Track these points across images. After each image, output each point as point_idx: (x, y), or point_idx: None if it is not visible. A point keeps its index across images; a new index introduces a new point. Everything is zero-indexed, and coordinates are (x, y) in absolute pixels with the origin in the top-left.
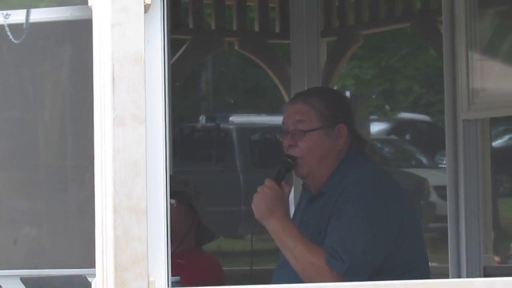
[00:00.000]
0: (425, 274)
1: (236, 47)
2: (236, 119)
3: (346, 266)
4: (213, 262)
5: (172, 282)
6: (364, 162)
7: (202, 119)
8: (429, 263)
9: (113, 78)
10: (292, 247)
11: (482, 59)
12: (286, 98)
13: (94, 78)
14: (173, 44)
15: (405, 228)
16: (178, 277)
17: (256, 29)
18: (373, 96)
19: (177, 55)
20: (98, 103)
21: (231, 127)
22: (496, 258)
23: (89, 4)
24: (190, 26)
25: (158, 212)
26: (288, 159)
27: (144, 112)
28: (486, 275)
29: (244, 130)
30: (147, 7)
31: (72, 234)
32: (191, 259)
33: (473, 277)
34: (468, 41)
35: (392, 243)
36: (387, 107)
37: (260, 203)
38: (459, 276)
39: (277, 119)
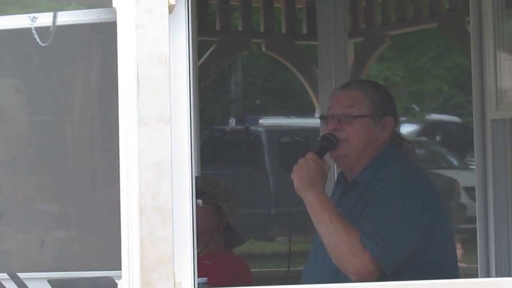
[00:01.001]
0: (454, 274)
1: (263, 49)
2: (266, 121)
3: (380, 249)
4: (240, 264)
5: (199, 284)
6: (402, 157)
7: (232, 121)
8: (459, 264)
9: (138, 79)
10: (328, 221)
11: (510, 58)
12: (314, 100)
13: (119, 79)
14: (200, 46)
15: (436, 226)
16: (205, 278)
17: (283, 30)
18: (402, 97)
19: (204, 56)
20: (123, 104)
21: (260, 129)
22: None
23: (114, 5)
24: (217, 27)
25: (184, 213)
26: (331, 137)
27: (169, 113)
28: None
29: (274, 132)
30: (171, 8)
31: (100, 236)
32: (218, 260)
33: (502, 277)
34: (496, 41)
35: (422, 237)
36: (416, 107)
37: (302, 173)
38: (488, 277)
39: (306, 122)
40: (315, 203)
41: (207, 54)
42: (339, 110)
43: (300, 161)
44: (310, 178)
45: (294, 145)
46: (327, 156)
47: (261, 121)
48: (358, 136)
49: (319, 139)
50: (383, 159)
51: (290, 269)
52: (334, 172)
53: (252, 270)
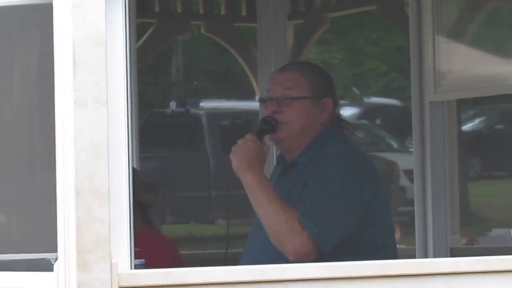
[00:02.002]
0: (392, 254)
1: (202, 31)
2: (206, 104)
3: (318, 229)
4: (167, 242)
5: (136, 265)
6: (341, 139)
7: (172, 104)
8: (398, 245)
9: (74, 60)
10: (266, 202)
11: (448, 41)
12: (254, 82)
13: (55, 60)
14: (139, 28)
15: (375, 206)
16: (143, 260)
17: (223, 12)
18: (341, 79)
19: (143, 38)
20: (59, 85)
21: (201, 112)
22: (464, 240)
23: None
24: (156, 9)
25: (120, 194)
26: (271, 119)
27: (105, 94)
28: (452, 256)
29: (214, 115)
30: None
31: (38, 220)
32: (142, 240)
33: (439, 258)
34: (435, 24)
35: (361, 218)
36: (355, 90)
37: (241, 154)
38: (425, 257)
39: (247, 104)
40: (254, 184)
41: (145, 35)
42: (278, 93)
43: (239, 142)
44: (249, 159)
45: (234, 128)
46: (266, 139)
47: (201, 104)
48: (298, 118)
49: (259, 121)
50: (322, 140)
51: (230, 250)
52: (273, 154)
53: (192, 252)
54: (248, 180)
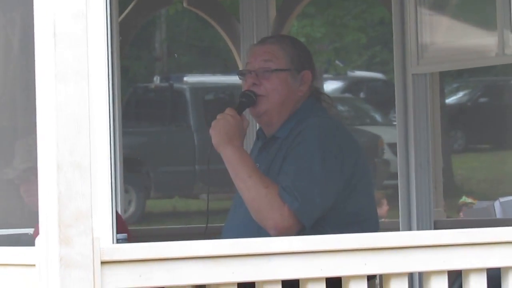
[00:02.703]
0: (374, 226)
1: (184, 4)
2: (190, 79)
3: (299, 203)
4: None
5: (118, 239)
6: (321, 111)
7: (156, 79)
8: (382, 219)
9: (54, 33)
10: (247, 176)
11: (431, 13)
12: (236, 56)
13: (35, 34)
14: (121, 1)
15: (356, 179)
16: (125, 234)
17: None
18: (324, 52)
19: (125, 12)
20: (40, 59)
21: (184, 87)
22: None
23: None
24: None
25: (102, 168)
26: (250, 93)
27: (86, 68)
28: (436, 228)
29: (198, 90)
30: None
31: (20, 195)
32: None
33: (422, 231)
34: None
35: (342, 190)
36: (339, 63)
37: (221, 129)
38: (409, 230)
39: (231, 79)
40: (234, 158)
41: (128, 9)
42: (257, 65)
43: (219, 117)
44: (229, 134)
45: (218, 102)
46: (246, 113)
47: (185, 78)
48: (277, 90)
49: (239, 95)
50: (301, 113)
51: (213, 225)
52: (253, 129)
53: (176, 226)
54: (228, 155)
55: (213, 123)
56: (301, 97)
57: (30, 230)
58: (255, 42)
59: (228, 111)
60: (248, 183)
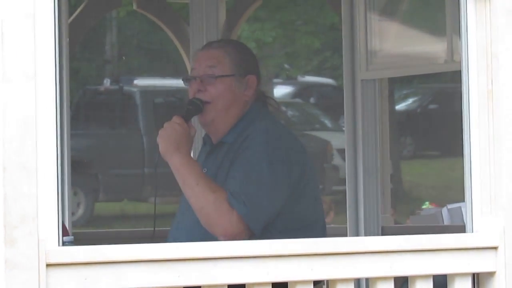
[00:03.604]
0: (321, 231)
1: (134, 7)
2: (140, 82)
3: (247, 208)
4: None
5: (65, 242)
6: (267, 116)
7: (107, 82)
8: (330, 225)
9: (2, 33)
10: (194, 184)
11: (380, 19)
12: (186, 59)
13: None
14: (71, 3)
15: (303, 183)
16: (72, 237)
17: None
18: (274, 57)
19: (75, 13)
20: None
21: (134, 90)
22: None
23: None
24: None
25: (48, 170)
26: (197, 101)
27: (34, 69)
28: (384, 234)
29: (148, 93)
30: None
31: None
32: None
33: (369, 236)
34: (367, 2)
35: (289, 195)
36: (287, 66)
37: (168, 137)
38: (357, 236)
39: (181, 83)
40: (181, 166)
41: (78, 10)
42: (202, 71)
43: (166, 125)
44: (176, 142)
45: (168, 106)
46: (194, 120)
47: (135, 81)
48: (222, 96)
49: (186, 103)
50: (248, 118)
51: (161, 228)
52: (200, 133)
53: (125, 230)
54: (175, 163)
55: (160, 132)
56: (247, 102)
57: None
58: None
59: (175, 119)
60: (196, 190)
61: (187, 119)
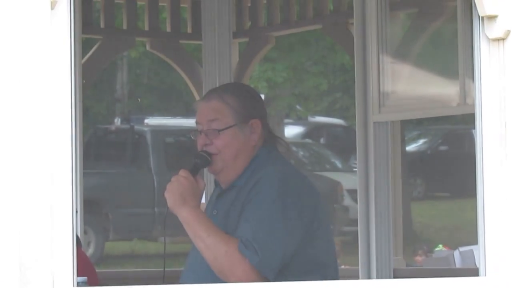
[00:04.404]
0: (334, 274)
1: (147, 48)
2: (151, 121)
3: (259, 257)
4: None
5: (78, 283)
6: (277, 158)
7: (117, 120)
8: (342, 266)
9: (16, 74)
10: (205, 236)
11: (393, 61)
12: (198, 99)
13: None
14: (84, 43)
15: (315, 226)
16: (85, 278)
17: (168, 29)
18: (285, 97)
19: (88, 54)
20: (1, 101)
21: (145, 129)
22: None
23: None
24: (102, 25)
25: (64, 212)
26: (204, 154)
27: (49, 109)
28: (395, 277)
29: (159, 132)
30: (53, 4)
31: None
32: None
33: (382, 279)
34: (379, 44)
35: (302, 238)
36: (299, 108)
37: (175, 191)
38: (368, 278)
39: (191, 122)
40: (190, 219)
41: (91, 51)
42: (205, 126)
43: (173, 179)
44: (183, 195)
45: (179, 145)
46: (203, 172)
47: (146, 121)
48: (228, 147)
49: (193, 156)
50: (257, 162)
51: (172, 269)
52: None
53: (134, 270)
54: (184, 216)
55: (167, 186)
56: (254, 146)
57: None
58: (216, 86)
59: (181, 172)
60: (207, 242)
61: (194, 172)
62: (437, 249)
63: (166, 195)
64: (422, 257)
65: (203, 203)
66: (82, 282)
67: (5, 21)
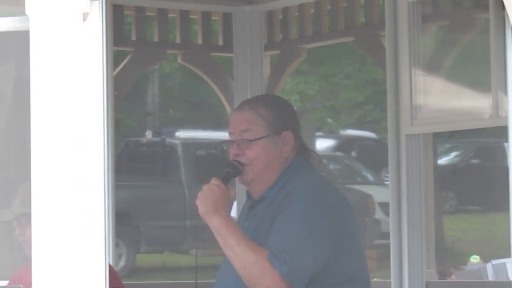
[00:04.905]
0: (365, 285)
1: (179, 60)
2: (182, 134)
3: (289, 267)
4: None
5: None
6: (309, 170)
7: (148, 133)
8: (374, 279)
9: (50, 87)
10: (235, 244)
11: (424, 74)
12: (229, 111)
13: (31, 88)
14: (115, 56)
15: (346, 238)
16: None
17: (199, 41)
18: (317, 110)
19: (120, 66)
20: (36, 113)
21: (176, 142)
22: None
23: (26, 13)
24: (133, 38)
25: (96, 223)
26: (236, 163)
27: (82, 123)
28: None
29: (190, 145)
30: (85, 16)
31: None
32: None
33: None
34: (411, 56)
35: (332, 250)
36: (330, 120)
37: (206, 199)
38: None
39: (222, 135)
40: (221, 228)
41: (122, 64)
42: (237, 136)
43: (204, 187)
44: (215, 204)
45: (210, 158)
46: (235, 181)
47: (177, 133)
48: (259, 158)
49: (225, 164)
50: (289, 173)
51: (203, 281)
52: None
53: (167, 282)
54: (215, 225)
55: (198, 194)
56: (285, 159)
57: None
58: (248, 98)
59: (213, 181)
60: (237, 251)
61: (225, 181)
62: (472, 260)
63: (198, 202)
64: (454, 275)
65: (234, 216)
66: None
67: (39, 34)
